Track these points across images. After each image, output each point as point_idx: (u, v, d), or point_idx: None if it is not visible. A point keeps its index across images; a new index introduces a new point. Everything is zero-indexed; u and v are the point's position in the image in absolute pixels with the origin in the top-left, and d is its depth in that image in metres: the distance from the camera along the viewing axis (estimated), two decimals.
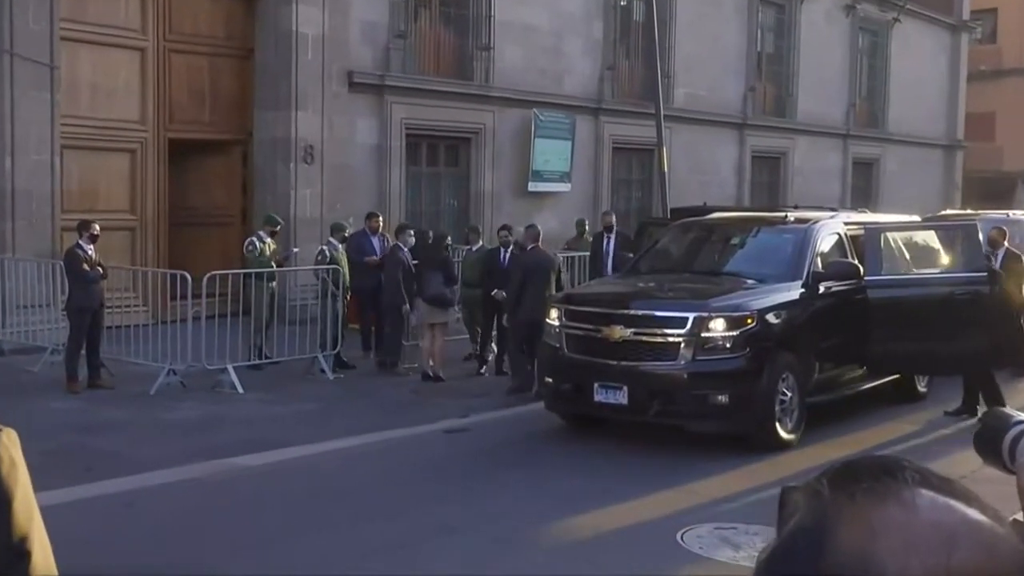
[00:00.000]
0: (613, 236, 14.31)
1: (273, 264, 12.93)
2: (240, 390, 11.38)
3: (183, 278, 11.59)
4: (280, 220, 13.72)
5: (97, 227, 11.57)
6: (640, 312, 9.20)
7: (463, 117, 18.98)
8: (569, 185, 20.97)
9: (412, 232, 13.09)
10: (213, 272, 12.00)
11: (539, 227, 12.45)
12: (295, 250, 13.84)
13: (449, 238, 13.36)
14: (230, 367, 11.57)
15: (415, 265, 12.45)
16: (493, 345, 13.51)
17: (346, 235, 13.16)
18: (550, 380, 9.71)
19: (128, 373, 11.80)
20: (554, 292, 11.27)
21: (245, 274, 12.80)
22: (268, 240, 13.06)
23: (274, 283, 12.83)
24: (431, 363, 12.35)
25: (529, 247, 11.94)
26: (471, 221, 18.01)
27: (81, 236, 11.51)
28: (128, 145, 15.35)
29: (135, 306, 13.04)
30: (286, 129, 16.38)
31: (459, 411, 10.81)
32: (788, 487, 0.90)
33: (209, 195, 16.92)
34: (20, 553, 1.87)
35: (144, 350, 11.91)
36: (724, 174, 24.98)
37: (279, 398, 11.34)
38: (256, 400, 11.18)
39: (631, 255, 12.32)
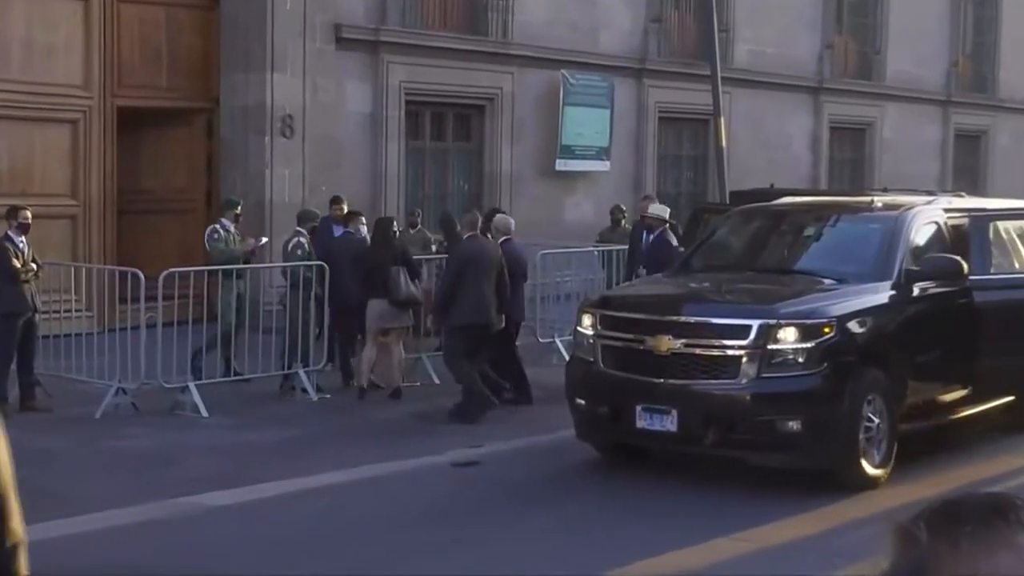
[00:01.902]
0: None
1: (241, 260, 12.96)
2: (204, 413, 11.43)
3: (135, 277, 11.65)
4: (239, 201, 13.76)
5: (29, 214, 11.66)
6: (693, 319, 9.20)
7: (475, 80, 19.01)
8: (607, 163, 20.98)
9: (363, 220, 13.30)
10: (171, 269, 12.06)
11: (477, 214, 12.77)
12: (264, 240, 13.84)
13: (396, 224, 13.43)
14: (192, 385, 11.63)
15: (368, 259, 12.55)
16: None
17: (316, 224, 13.17)
18: (582, 402, 9.72)
19: (69, 392, 11.87)
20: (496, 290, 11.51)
21: (210, 271, 12.87)
22: (232, 228, 13.12)
23: (243, 281, 12.86)
24: (373, 374, 12.51)
25: (466, 236, 12.06)
26: (485, 207, 18.05)
27: (9, 225, 11.60)
28: (68, 115, 15.46)
29: (76, 311, 13.10)
30: (260, 95, 16.45)
31: (470, 439, 10.81)
32: (892, 525, 0.91)
33: (166, 175, 17.02)
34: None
35: (88, 365, 11.99)
36: (796, 149, 24.92)
37: (251, 423, 11.38)
38: (223, 426, 11.23)
39: (681, 249, 12.32)
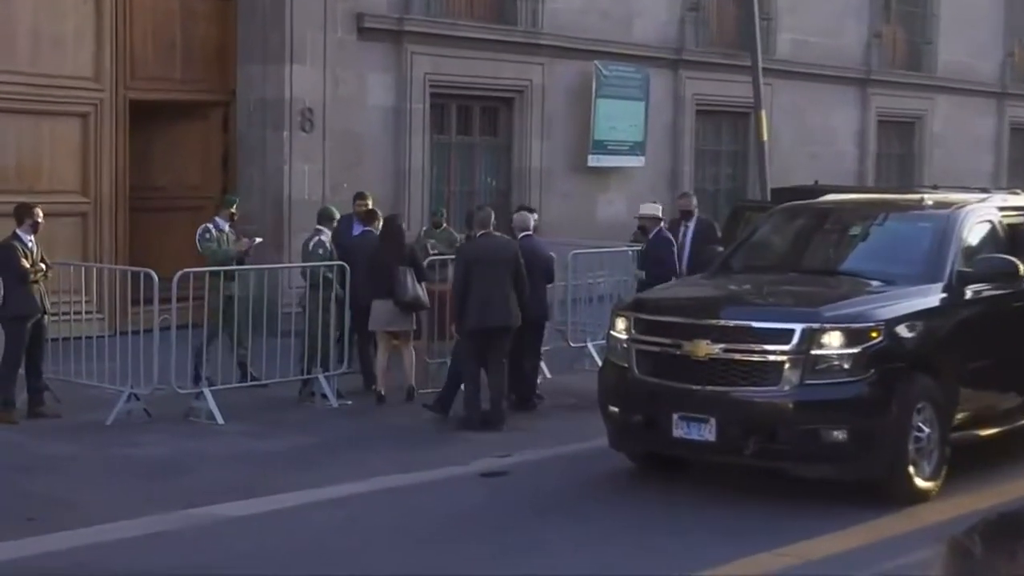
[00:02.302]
0: (692, 225, 14.18)
1: (235, 260, 12.92)
2: (220, 420, 11.48)
3: (148, 277, 11.71)
4: (235, 199, 13.77)
5: (40, 213, 11.72)
6: (733, 323, 9.17)
7: (504, 72, 19.03)
8: (642, 159, 20.97)
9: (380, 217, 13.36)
10: (186, 270, 12.10)
11: (490, 210, 12.71)
12: (259, 239, 13.82)
13: (405, 222, 13.52)
14: (207, 391, 11.68)
15: (374, 259, 12.64)
16: (543, 364, 13.55)
17: (336, 223, 13.18)
18: (615, 410, 9.71)
19: (78, 398, 11.95)
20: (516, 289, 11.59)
21: (226, 272, 12.90)
22: (227, 227, 13.14)
23: (235, 283, 12.84)
24: (382, 380, 12.61)
25: (479, 234, 12.11)
26: (514, 204, 18.05)
27: (20, 224, 11.66)
28: (78, 108, 15.56)
29: (87, 313, 13.17)
30: (278, 88, 16.52)
31: (499, 448, 10.83)
32: (945, 539, 0.91)
33: (180, 172, 17.10)
34: None
35: (99, 369, 12.04)
36: (841, 144, 24.84)
37: (269, 430, 11.42)
38: (240, 433, 11.28)
39: (720, 249, 12.29)
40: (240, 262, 13.20)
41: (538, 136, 19.62)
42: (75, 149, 15.57)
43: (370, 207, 13.78)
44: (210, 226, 13.03)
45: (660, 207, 14.10)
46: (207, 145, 17.19)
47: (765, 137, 18.68)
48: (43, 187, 14.93)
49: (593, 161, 20.25)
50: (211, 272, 12.41)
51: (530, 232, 12.66)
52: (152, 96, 16.23)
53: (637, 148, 20.91)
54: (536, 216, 13.46)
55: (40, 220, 11.67)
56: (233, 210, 13.34)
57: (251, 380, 12.49)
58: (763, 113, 18.36)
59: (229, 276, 12.63)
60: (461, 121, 19.28)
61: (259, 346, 12.77)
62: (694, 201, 14.39)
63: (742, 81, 19.97)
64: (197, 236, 12.95)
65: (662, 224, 13.74)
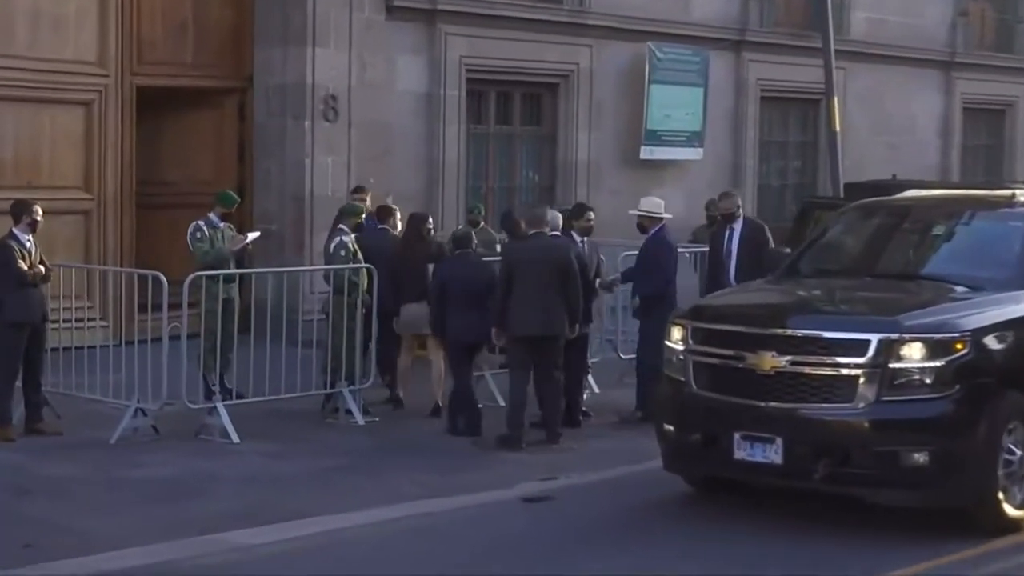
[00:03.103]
0: (739, 228, 13.95)
1: (232, 260, 12.99)
2: (235, 438, 11.53)
3: (156, 281, 11.75)
4: (237, 199, 13.79)
5: (39, 210, 11.80)
6: (801, 332, 9.13)
7: (548, 55, 19.04)
8: (700, 150, 20.94)
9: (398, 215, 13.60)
10: (198, 272, 12.18)
11: (550, 210, 12.73)
12: (255, 235, 13.82)
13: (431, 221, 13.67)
14: (221, 406, 11.73)
15: (398, 259, 12.90)
16: (590, 378, 13.53)
17: (361, 221, 13.20)
18: (671, 428, 9.69)
19: (80, 413, 12.02)
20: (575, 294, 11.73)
21: (242, 275, 12.97)
22: (221, 224, 13.15)
23: (234, 284, 12.88)
24: (403, 384, 12.90)
25: (530, 233, 12.17)
26: (558, 200, 18.05)
27: (17, 223, 11.75)
28: (80, 95, 15.66)
29: (90, 320, 13.27)
30: (299, 73, 16.59)
31: (543, 470, 10.84)
32: None
33: (193, 165, 17.18)
34: None
35: (102, 382, 12.11)
36: (922, 134, 24.70)
37: (289, 450, 11.47)
38: (257, 452, 11.33)
39: (787, 251, 12.23)
40: (239, 262, 13.23)
41: (585, 126, 19.61)
42: (77, 140, 15.66)
43: (367, 201, 13.90)
44: (201, 223, 12.96)
45: (663, 203, 13.51)
46: (221, 136, 17.26)
47: (837, 127, 18.64)
48: (42, 182, 15.06)
49: (646, 153, 20.21)
50: (209, 275, 12.37)
51: (558, 231, 12.46)
52: (161, 82, 16.31)
53: (695, 139, 20.86)
54: (592, 215, 13.36)
55: (39, 218, 11.74)
56: (231, 210, 13.31)
57: (237, 397, 12.35)
58: (835, 100, 18.33)
59: (227, 277, 12.67)
60: (500, 109, 19.29)
61: (277, 357, 12.81)
62: (738, 201, 14.11)
63: (812, 65, 19.91)
64: (188, 235, 12.93)
65: (662, 224, 13.12)
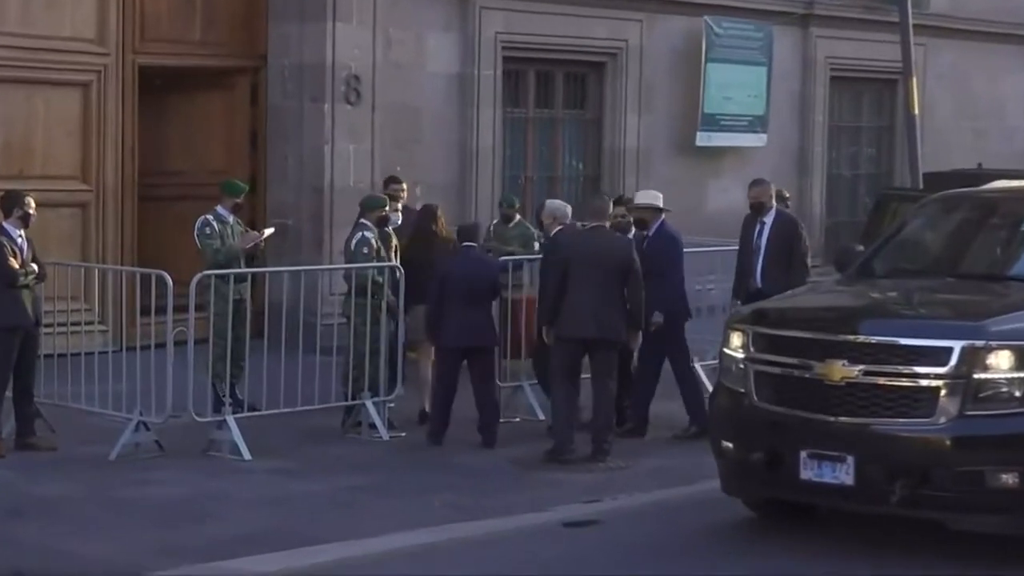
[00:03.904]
0: (770, 222, 13.80)
1: (242, 258, 13.05)
2: (246, 455, 11.56)
3: (161, 281, 11.80)
4: (244, 186, 13.89)
5: (32, 202, 11.86)
6: (875, 339, 9.09)
7: (593, 30, 19.02)
8: (763, 136, 20.88)
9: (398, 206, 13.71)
10: (206, 272, 12.21)
11: (607, 198, 12.90)
12: (270, 230, 13.86)
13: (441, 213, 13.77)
14: (231, 419, 11.77)
15: (406, 256, 13.04)
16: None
17: (385, 214, 13.20)
18: (730, 445, 9.66)
19: (77, 427, 12.07)
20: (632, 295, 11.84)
21: (254, 274, 13.01)
22: (231, 219, 13.23)
23: (246, 284, 12.90)
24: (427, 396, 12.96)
25: (590, 226, 12.29)
26: (603, 191, 18.04)
27: (7, 216, 11.80)
28: (78, 76, 15.71)
29: (87, 324, 13.32)
30: (318, 51, 16.62)
31: (586, 491, 10.83)
32: None
33: (200, 153, 17.24)
34: None
35: (101, 392, 12.15)
36: (1012, 119, 24.55)
37: (305, 468, 11.50)
38: (271, 471, 11.36)
39: (859, 248, 12.19)
40: (250, 259, 13.27)
41: (635, 109, 19.57)
42: (74, 126, 15.71)
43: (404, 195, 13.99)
44: (210, 218, 13.06)
45: (661, 196, 13.50)
46: (232, 121, 17.31)
47: (916, 110, 18.51)
48: (35, 171, 15.12)
49: (703, 140, 20.17)
50: (219, 274, 12.39)
51: (603, 224, 12.52)
52: (166, 62, 16.38)
53: (757, 123, 20.80)
54: (622, 210, 13.33)
55: (32, 211, 11.81)
56: (239, 200, 13.42)
57: (248, 409, 12.44)
58: (914, 80, 18.22)
59: (239, 277, 12.71)
60: (540, 91, 19.27)
61: (293, 365, 12.85)
62: (771, 191, 13.94)
63: (888, 41, 19.80)
64: (196, 229, 13.02)
65: (663, 218, 13.20)
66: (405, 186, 14.40)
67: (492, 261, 12.94)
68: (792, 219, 13.99)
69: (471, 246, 12.71)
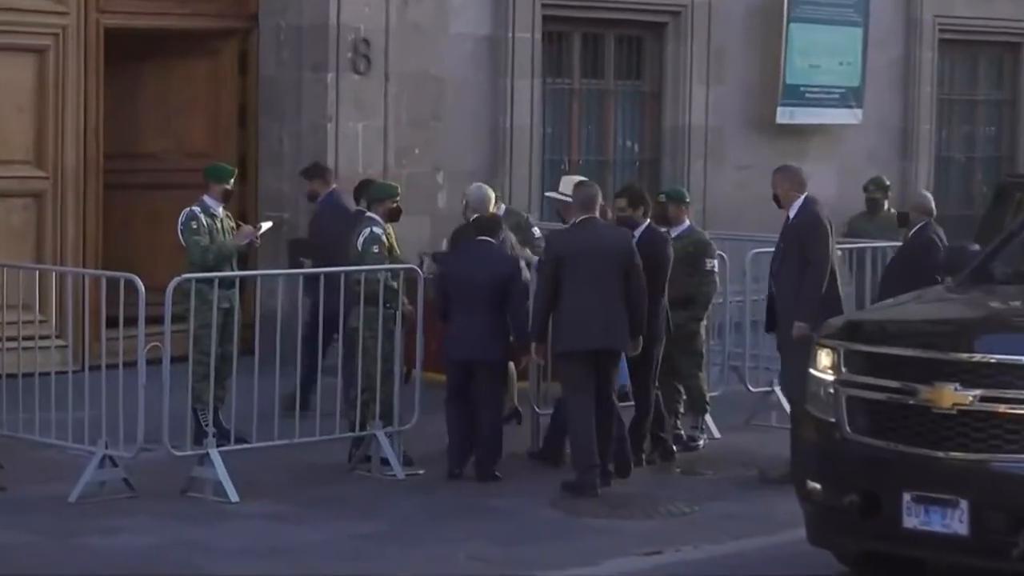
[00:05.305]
0: (793, 213, 13.64)
1: (234, 259, 13.14)
2: (233, 496, 11.57)
3: (131, 286, 11.82)
4: (232, 169, 13.96)
5: None
6: (995, 357, 9.06)
7: None
8: (858, 112, 20.86)
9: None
10: (185, 275, 12.22)
11: (595, 187, 12.92)
12: (268, 224, 13.90)
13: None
14: (215, 453, 11.78)
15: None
16: (708, 419, 13.55)
17: (396, 205, 13.22)
18: (817, 487, 9.64)
19: (30, 462, 12.14)
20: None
21: (244, 277, 13.05)
22: (220, 211, 13.30)
23: (235, 290, 12.93)
24: None
25: (578, 219, 12.38)
26: (665, 179, 18.05)
27: None
28: (31, 40, 15.81)
29: (42, 338, 13.36)
30: (320, 9, 16.69)
31: (643, 540, 10.83)
32: None
33: (179, 132, 17.35)
34: None
35: (59, 420, 12.19)
36: None
37: (304, 512, 11.51)
38: (263, 515, 11.37)
39: (974, 247, 12.16)
40: (243, 259, 13.28)
41: (702, 80, 19.60)
42: (25, 99, 15.82)
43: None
44: (197, 210, 13.12)
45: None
46: (217, 93, 17.40)
47: None
48: None
49: (784, 116, 20.21)
50: (201, 278, 12.42)
51: (594, 215, 12.61)
52: (137, 23, 16.46)
53: (851, 97, 20.80)
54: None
55: None
56: (228, 186, 13.46)
57: (236, 440, 12.47)
58: None
59: (226, 282, 12.76)
60: (587, 58, 19.32)
61: (291, 388, 12.89)
62: (790, 179, 13.84)
63: None
64: (180, 224, 13.09)
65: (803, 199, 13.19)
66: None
67: (506, 258, 12.95)
68: (811, 215, 13.65)
69: (488, 241, 12.76)
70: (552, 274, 12.13)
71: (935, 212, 14.14)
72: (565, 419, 12.45)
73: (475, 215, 13.34)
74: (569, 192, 13.34)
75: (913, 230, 13.90)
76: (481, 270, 12.52)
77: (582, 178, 13.78)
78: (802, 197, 13.34)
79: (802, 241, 13.06)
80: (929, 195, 14.67)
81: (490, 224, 13.00)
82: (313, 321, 12.94)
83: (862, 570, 9.88)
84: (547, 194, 13.68)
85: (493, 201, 13.60)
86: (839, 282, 12.86)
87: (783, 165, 13.98)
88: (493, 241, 12.81)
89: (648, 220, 13.13)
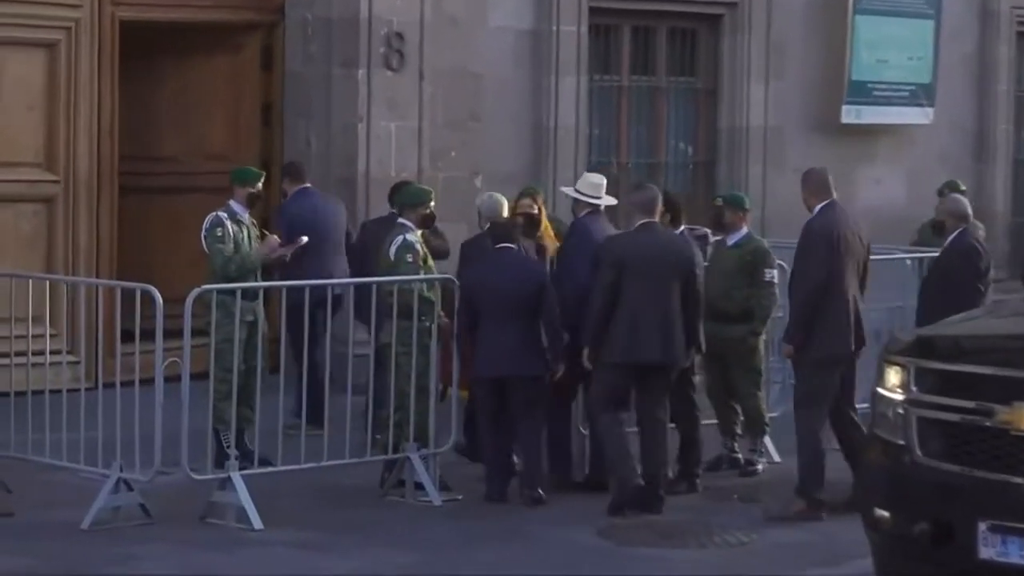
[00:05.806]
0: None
1: (259, 272, 13.17)
2: (256, 524, 11.58)
3: (147, 297, 11.84)
4: (260, 172, 14.00)
5: None
6: None
7: None
8: (929, 112, 20.80)
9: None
10: (206, 286, 12.23)
11: (655, 189, 13.00)
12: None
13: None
14: (238, 477, 11.79)
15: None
16: (768, 442, 13.55)
17: (430, 212, 13.21)
18: (885, 515, 9.62)
19: (40, 485, 12.17)
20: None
21: (267, 289, 13.07)
22: (247, 218, 13.32)
23: (258, 302, 12.95)
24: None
25: (638, 223, 12.46)
26: (720, 183, 18.03)
27: None
28: (43, 35, 15.86)
29: (53, 353, 13.39)
30: (350, 2, 16.72)
31: (696, 571, 10.85)
32: None
33: (199, 132, 17.39)
34: None
35: (71, 441, 12.22)
36: None
37: (333, 541, 11.51)
38: (288, 544, 11.38)
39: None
40: (268, 272, 13.30)
41: (760, 76, 19.58)
42: (36, 98, 15.86)
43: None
44: (223, 216, 13.12)
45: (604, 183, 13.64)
46: (239, 91, 17.46)
47: None
48: None
49: (850, 115, 20.17)
50: (223, 289, 12.44)
51: (654, 219, 12.69)
52: (154, 15, 16.52)
53: (922, 94, 20.75)
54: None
55: None
56: (254, 189, 13.47)
57: (260, 462, 12.49)
58: None
59: (249, 293, 12.79)
60: (637, 53, 19.30)
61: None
62: (816, 183, 13.70)
63: None
64: (204, 231, 13.11)
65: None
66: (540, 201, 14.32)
67: (533, 264, 12.94)
68: (807, 226, 13.51)
69: (508, 248, 12.76)
70: (613, 280, 12.14)
71: (971, 216, 14.09)
72: (599, 439, 12.50)
73: (488, 223, 13.39)
74: (588, 192, 13.26)
75: (951, 237, 13.86)
76: (506, 279, 12.55)
77: (602, 176, 13.69)
78: (820, 205, 13.30)
79: (796, 253, 13.06)
80: (963, 199, 14.59)
81: (507, 230, 12.99)
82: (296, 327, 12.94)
83: None
84: (562, 190, 13.60)
85: (506, 209, 13.56)
86: (852, 304, 12.55)
87: (808, 169, 13.98)
88: (513, 247, 12.81)
89: (682, 226, 13.18)
